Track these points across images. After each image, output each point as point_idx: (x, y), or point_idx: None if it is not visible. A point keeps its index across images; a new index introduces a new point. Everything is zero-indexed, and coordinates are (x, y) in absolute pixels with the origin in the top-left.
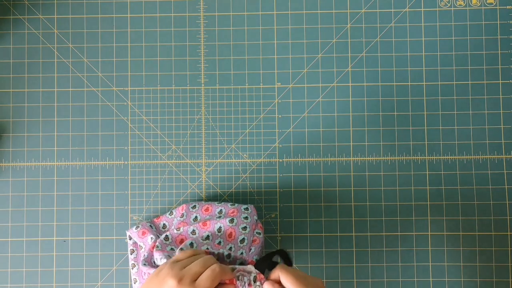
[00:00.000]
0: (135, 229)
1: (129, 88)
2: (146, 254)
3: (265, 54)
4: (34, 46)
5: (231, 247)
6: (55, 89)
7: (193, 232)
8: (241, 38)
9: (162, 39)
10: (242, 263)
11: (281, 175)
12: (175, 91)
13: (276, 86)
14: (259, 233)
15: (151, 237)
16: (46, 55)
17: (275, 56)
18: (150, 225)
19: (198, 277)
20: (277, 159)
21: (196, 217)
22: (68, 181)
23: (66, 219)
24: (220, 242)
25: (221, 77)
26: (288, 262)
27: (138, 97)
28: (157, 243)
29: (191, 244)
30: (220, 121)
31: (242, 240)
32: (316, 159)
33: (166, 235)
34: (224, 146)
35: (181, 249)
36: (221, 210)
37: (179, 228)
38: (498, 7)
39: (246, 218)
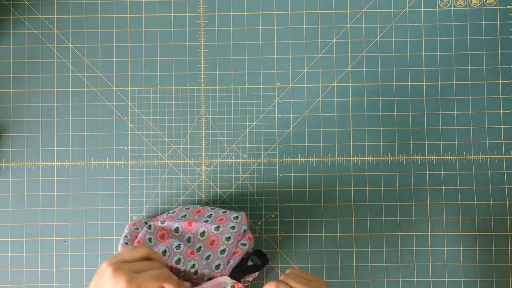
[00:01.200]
0: (133, 228)
1: (129, 88)
2: (128, 235)
3: (265, 54)
4: (34, 46)
5: (209, 255)
6: (55, 89)
7: (177, 229)
8: (241, 38)
9: (162, 39)
10: (209, 279)
11: (281, 175)
12: (175, 91)
13: (276, 86)
14: (244, 245)
15: (136, 228)
16: (46, 55)
17: (275, 56)
18: (149, 226)
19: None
20: (277, 159)
21: (185, 215)
22: (68, 181)
23: (66, 219)
24: (200, 247)
25: (221, 77)
26: (264, 261)
27: (138, 97)
28: (135, 226)
29: (164, 252)
30: (220, 121)
31: (223, 251)
32: (316, 159)
33: (150, 224)
34: (224, 146)
35: (126, 243)
36: (211, 214)
37: (164, 221)
38: (498, 7)
39: (233, 227)
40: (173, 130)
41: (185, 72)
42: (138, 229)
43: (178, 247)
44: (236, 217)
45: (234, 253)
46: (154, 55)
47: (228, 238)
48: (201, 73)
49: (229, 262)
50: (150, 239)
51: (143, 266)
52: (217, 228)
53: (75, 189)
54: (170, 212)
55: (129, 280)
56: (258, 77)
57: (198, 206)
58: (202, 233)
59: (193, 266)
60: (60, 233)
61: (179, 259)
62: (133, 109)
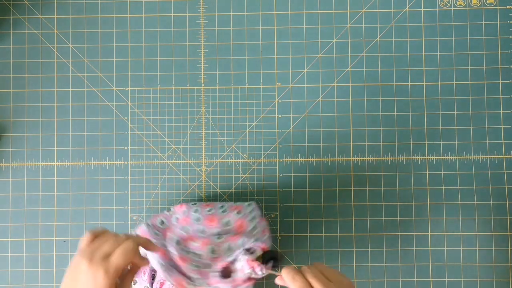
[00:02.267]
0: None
1: (129, 88)
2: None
3: (265, 54)
4: (34, 46)
5: (243, 241)
6: (55, 89)
7: (203, 231)
8: (241, 38)
9: (162, 39)
10: (229, 249)
11: (281, 175)
12: (175, 91)
13: (276, 86)
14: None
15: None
16: (46, 55)
17: (275, 56)
18: (147, 225)
19: (110, 254)
20: (277, 159)
21: (196, 209)
22: (68, 181)
23: (66, 219)
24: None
25: (221, 77)
26: (276, 263)
27: (138, 97)
28: (148, 223)
29: (178, 242)
30: (220, 121)
31: (254, 228)
32: (316, 159)
33: (177, 240)
34: (224, 146)
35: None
36: (223, 205)
37: (184, 226)
38: (498, 7)
39: (251, 212)
40: (173, 130)
41: (185, 72)
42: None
43: (218, 234)
44: (250, 204)
45: (262, 231)
46: (154, 55)
47: (253, 219)
48: (201, 73)
49: (264, 235)
50: (178, 242)
51: (111, 246)
52: (239, 213)
53: (75, 189)
54: (166, 211)
55: (105, 269)
56: (258, 77)
57: (203, 202)
58: (227, 223)
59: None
60: (60, 233)
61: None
62: (133, 109)
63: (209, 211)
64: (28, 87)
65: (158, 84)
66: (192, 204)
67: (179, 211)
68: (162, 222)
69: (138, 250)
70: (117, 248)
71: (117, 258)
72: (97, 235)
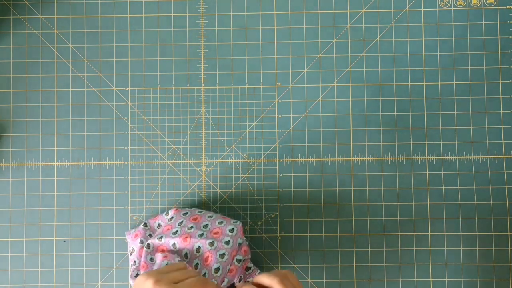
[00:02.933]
0: (132, 231)
1: (129, 88)
2: (136, 260)
3: (265, 54)
4: (34, 46)
5: (205, 273)
6: (55, 89)
7: (174, 245)
8: (241, 38)
9: (162, 39)
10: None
11: (281, 175)
12: (175, 91)
13: (276, 86)
14: (239, 261)
15: (141, 240)
16: (46, 55)
17: (275, 56)
18: (145, 224)
19: (178, 282)
20: (277, 159)
21: (182, 221)
22: (68, 181)
23: (66, 219)
24: (197, 264)
25: (221, 77)
26: None
27: (138, 97)
28: (138, 238)
29: (167, 264)
30: (220, 121)
31: (217, 270)
32: (316, 159)
33: (148, 243)
34: (224, 146)
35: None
36: (207, 225)
37: (161, 237)
38: (498, 7)
39: (227, 242)
40: (173, 130)
41: (185, 72)
42: (142, 242)
43: (185, 255)
44: (232, 230)
45: (229, 271)
46: (154, 55)
47: (222, 255)
48: (201, 73)
49: (223, 281)
50: (152, 259)
51: (181, 275)
52: (212, 244)
53: (75, 189)
54: (164, 214)
55: None
56: (258, 77)
57: (196, 211)
58: (198, 249)
59: (204, 274)
60: (60, 233)
61: None
62: (133, 109)
63: (190, 228)
64: (28, 87)
65: (158, 84)
66: (183, 214)
67: (171, 215)
68: (159, 225)
69: (210, 284)
70: (187, 278)
71: (185, 285)
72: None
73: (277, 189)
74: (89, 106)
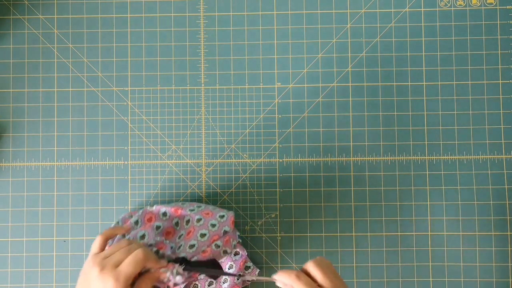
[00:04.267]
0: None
1: (129, 88)
2: (119, 221)
3: (265, 54)
4: (34, 46)
5: (181, 245)
6: (55, 89)
7: (164, 213)
8: (241, 38)
9: (162, 39)
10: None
11: (281, 175)
12: (175, 91)
13: (276, 86)
14: (218, 247)
15: (131, 215)
16: (46, 55)
17: (275, 56)
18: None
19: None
20: (277, 159)
21: (165, 212)
22: (68, 181)
23: (66, 219)
24: (181, 235)
25: (221, 77)
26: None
27: (138, 97)
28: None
29: (143, 236)
30: (220, 121)
31: (191, 246)
32: (316, 159)
33: (137, 220)
34: (224, 146)
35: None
36: (200, 205)
37: (153, 205)
38: (498, 7)
39: (213, 225)
40: (173, 130)
41: (185, 72)
42: (132, 217)
43: (157, 228)
44: (222, 216)
45: (203, 251)
46: (154, 55)
47: (203, 235)
48: (201, 73)
49: (192, 257)
50: (136, 222)
51: (123, 255)
52: (199, 220)
53: (75, 189)
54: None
55: (116, 278)
56: (258, 77)
57: (195, 202)
58: (188, 221)
59: (180, 246)
60: (60, 233)
61: (154, 242)
62: (133, 109)
63: (183, 203)
64: (28, 87)
65: (158, 84)
66: (182, 204)
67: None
68: (137, 222)
69: (151, 256)
70: (128, 256)
71: (127, 267)
72: (109, 237)
73: (277, 189)
74: (89, 106)
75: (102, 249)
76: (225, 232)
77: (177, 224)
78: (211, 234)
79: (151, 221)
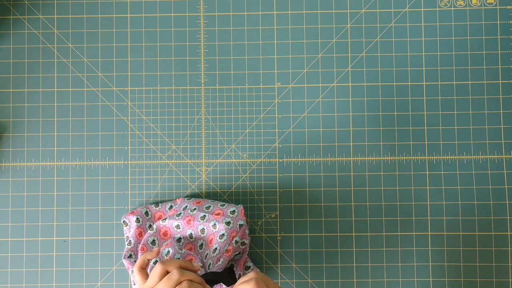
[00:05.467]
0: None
1: (129, 88)
2: (132, 240)
3: (265, 54)
4: (34, 46)
5: (207, 254)
6: (55, 89)
7: (177, 226)
8: (241, 38)
9: (162, 39)
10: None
11: (281, 175)
12: (175, 91)
13: (276, 86)
14: (237, 242)
15: (137, 218)
16: (46, 55)
17: (275, 56)
18: (146, 212)
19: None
20: (277, 159)
21: (186, 206)
22: (68, 181)
23: (66, 219)
24: (202, 244)
25: (221, 77)
26: (232, 280)
27: (138, 97)
28: (134, 215)
29: (167, 253)
30: (220, 121)
31: (214, 250)
32: (316, 159)
33: (150, 224)
34: (224, 146)
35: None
36: (209, 206)
37: (165, 219)
38: (498, 7)
39: (228, 223)
40: (173, 130)
41: (185, 72)
42: (139, 221)
43: (179, 240)
44: (233, 211)
45: (226, 251)
46: (154, 55)
47: (222, 236)
48: (201, 73)
49: (218, 260)
50: (153, 241)
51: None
52: (214, 226)
53: (75, 189)
54: (171, 202)
55: None
56: (258, 77)
57: (200, 198)
58: (202, 230)
59: (207, 255)
60: (60, 233)
61: (180, 256)
62: (133, 109)
63: (192, 210)
64: (28, 87)
65: (158, 84)
66: (187, 199)
67: (175, 204)
68: (151, 227)
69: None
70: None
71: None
72: (143, 266)
73: (277, 189)
74: (89, 106)
75: (146, 277)
76: (241, 226)
77: (191, 236)
78: (228, 232)
79: (167, 235)
